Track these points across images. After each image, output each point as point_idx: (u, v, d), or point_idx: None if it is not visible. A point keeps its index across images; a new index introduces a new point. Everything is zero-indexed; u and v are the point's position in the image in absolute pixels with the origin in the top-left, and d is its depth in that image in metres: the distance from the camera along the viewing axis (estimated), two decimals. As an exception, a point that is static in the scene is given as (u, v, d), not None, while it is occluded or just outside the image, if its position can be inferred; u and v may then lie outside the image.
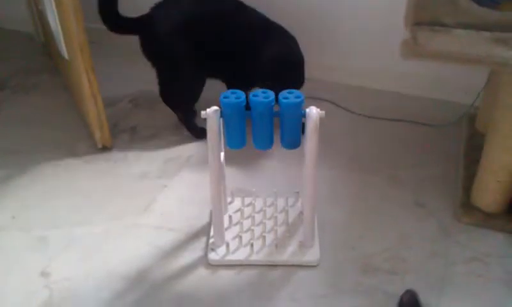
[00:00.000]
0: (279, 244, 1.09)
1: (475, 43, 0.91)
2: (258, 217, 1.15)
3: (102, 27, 1.34)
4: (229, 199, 1.20)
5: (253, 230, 1.11)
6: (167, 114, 1.60)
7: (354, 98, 1.62)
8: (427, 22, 0.93)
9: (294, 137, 1.00)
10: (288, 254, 1.07)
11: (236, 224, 1.14)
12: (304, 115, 0.96)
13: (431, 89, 1.60)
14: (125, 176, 1.34)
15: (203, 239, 1.13)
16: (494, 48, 0.89)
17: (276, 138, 1.01)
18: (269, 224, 1.14)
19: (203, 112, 0.96)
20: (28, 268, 1.07)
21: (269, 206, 1.19)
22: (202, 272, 1.05)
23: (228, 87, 1.49)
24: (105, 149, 1.43)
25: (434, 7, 0.93)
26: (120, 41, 2.00)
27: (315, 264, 1.06)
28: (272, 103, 0.96)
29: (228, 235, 1.11)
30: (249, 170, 1.34)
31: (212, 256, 1.07)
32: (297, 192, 1.21)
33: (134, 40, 1.97)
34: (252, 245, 1.08)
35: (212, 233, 1.10)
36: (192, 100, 1.45)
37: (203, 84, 1.44)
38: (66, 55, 1.44)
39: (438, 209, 1.19)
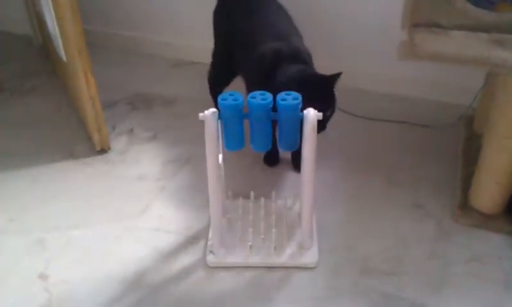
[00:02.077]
0: (277, 246, 1.08)
1: (472, 44, 0.91)
2: (256, 219, 1.15)
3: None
4: (227, 201, 1.20)
5: (251, 232, 1.11)
6: (165, 116, 1.60)
7: (352, 100, 1.62)
8: (423, 23, 0.93)
9: (292, 139, 1.00)
10: (286, 256, 1.07)
11: (234, 226, 1.14)
12: (302, 117, 0.96)
13: (429, 91, 1.60)
14: (123, 179, 1.34)
15: (202, 241, 1.13)
16: (490, 49, 0.90)
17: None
18: (268, 226, 1.13)
19: (200, 115, 0.96)
20: (26, 271, 1.07)
21: (267, 208, 1.19)
22: (200, 274, 1.05)
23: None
24: (103, 151, 1.43)
25: (430, 8, 0.93)
26: (117, 43, 2.01)
27: (313, 266, 1.06)
28: (270, 105, 0.96)
29: (227, 237, 1.11)
30: (248, 172, 1.34)
31: (211, 258, 1.07)
32: (296, 194, 1.21)
33: (131, 42, 1.97)
34: (250, 247, 1.08)
35: (210, 235, 1.10)
36: (213, 81, 1.49)
37: (228, 72, 1.44)
38: (64, 58, 1.44)
39: (436, 210, 1.19)
